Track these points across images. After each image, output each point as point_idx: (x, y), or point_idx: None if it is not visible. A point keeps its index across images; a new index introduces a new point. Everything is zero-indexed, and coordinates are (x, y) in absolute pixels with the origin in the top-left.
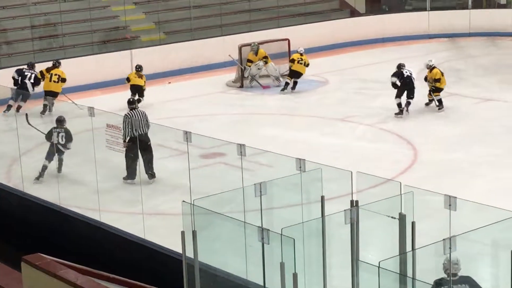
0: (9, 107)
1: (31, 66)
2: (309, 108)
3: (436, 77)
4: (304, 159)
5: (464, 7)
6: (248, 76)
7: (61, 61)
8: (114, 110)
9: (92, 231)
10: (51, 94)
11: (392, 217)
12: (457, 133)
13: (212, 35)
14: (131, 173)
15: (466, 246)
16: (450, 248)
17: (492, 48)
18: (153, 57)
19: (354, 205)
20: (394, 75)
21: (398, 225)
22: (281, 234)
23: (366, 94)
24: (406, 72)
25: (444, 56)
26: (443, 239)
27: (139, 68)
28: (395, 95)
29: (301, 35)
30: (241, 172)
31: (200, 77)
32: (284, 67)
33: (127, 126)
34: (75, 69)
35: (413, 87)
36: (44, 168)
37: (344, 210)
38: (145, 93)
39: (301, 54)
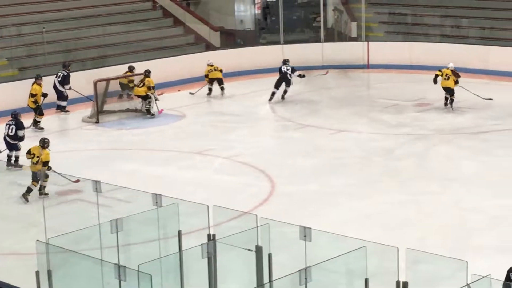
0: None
1: (64, 66)
2: (165, 142)
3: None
4: (161, 194)
5: (316, 40)
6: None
7: None
8: None
9: None
10: None
11: (249, 250)
12: (312, 165)
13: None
14: None
15: (322, 276)
16: (306, 278)
17: (345, 80)
18: (5, 93)
19: (211, 239)
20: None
21: (255, 257)
22: (138, 271)
23: (223, 127)
24: (284, 68)
25: (298, 88)
26: (299, 270)
27: None
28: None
29: (158, 69)
30: (98, 209)
31: (54, 113)
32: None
33: None
34: None
35: (289, 80)
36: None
37: (201, 244)
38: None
39: (211, 65)
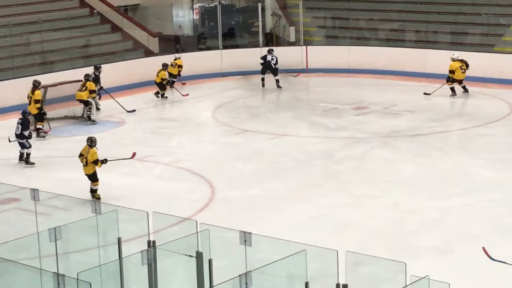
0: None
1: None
2: (105, 149)
3: (450, 69)
4: (100, 201)
5: (256, 45)
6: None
7: None
8: None
9: None
10: None
11: (189, 256)
12: (253, 169)
13: (3, 78)
14: None
15: (263, 280)
16: (246, 283)
17: (286, 85)
18: None
19: (151, 245)
20: (261, 57)
21: (195, 263)
22: (77, 279)
23: (163, 133)
24: (269, 57)
25: (238, 93)
26: (239, 275)
27: None
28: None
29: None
30: (36, 217)
31: None
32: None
33: None
34: None
35: (274, 69)
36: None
37: (141, 251)
38: None
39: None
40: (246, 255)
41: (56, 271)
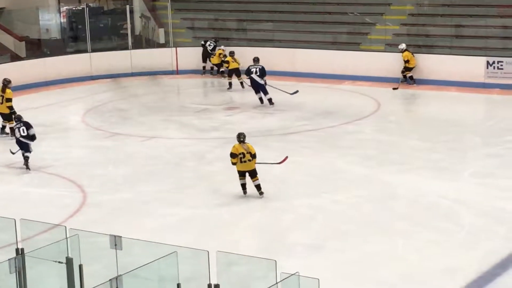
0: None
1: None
2: None
3: (405, 59)
4: None
5: (124, 47)
6: None
7: None
8: None
9: None
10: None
11: (59, 262)
12: (124, 173)
13: None
14: None
15: (134, 284)
16: (117, 287)
17: (155, 87)
18: None
19: (20, 253)
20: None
21: (66, 269)
22: None
23: None
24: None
25: (108, 96)
26: (110, 279)
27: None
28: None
29: None
30: None
31: None
32: None
33: None
34: None
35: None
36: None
37: (9, 259)
38: None
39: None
40: (117, 259)
41: None
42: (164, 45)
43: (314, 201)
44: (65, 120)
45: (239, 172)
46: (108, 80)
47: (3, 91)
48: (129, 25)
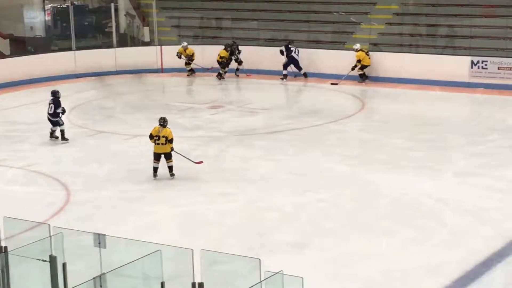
0: None
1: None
2: None
3: (357, 59)
4: None
5: (109, 46)
6: None
7: None
8: None
9: None
10: None
11: (42, 260)
12: (108, 171)
13: None
14: None
15: (118, 282)
16: (101, 285)
17: (139, 85)
18: None
19: (3, 251)
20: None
21: (49, 267)
22: None
23: (15, 136)
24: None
25: (92, 94)
26: (93, 278)
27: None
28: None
29: None
30: None
31: None
32: None
33: None
34: None
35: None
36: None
37: None
38: None
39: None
40: (101, 257)
41: None
42: (149, 44)
43: (298, 200)
44: None
45: (154, 154)
46: (93, 78)
47: None
48: (114, 23)
